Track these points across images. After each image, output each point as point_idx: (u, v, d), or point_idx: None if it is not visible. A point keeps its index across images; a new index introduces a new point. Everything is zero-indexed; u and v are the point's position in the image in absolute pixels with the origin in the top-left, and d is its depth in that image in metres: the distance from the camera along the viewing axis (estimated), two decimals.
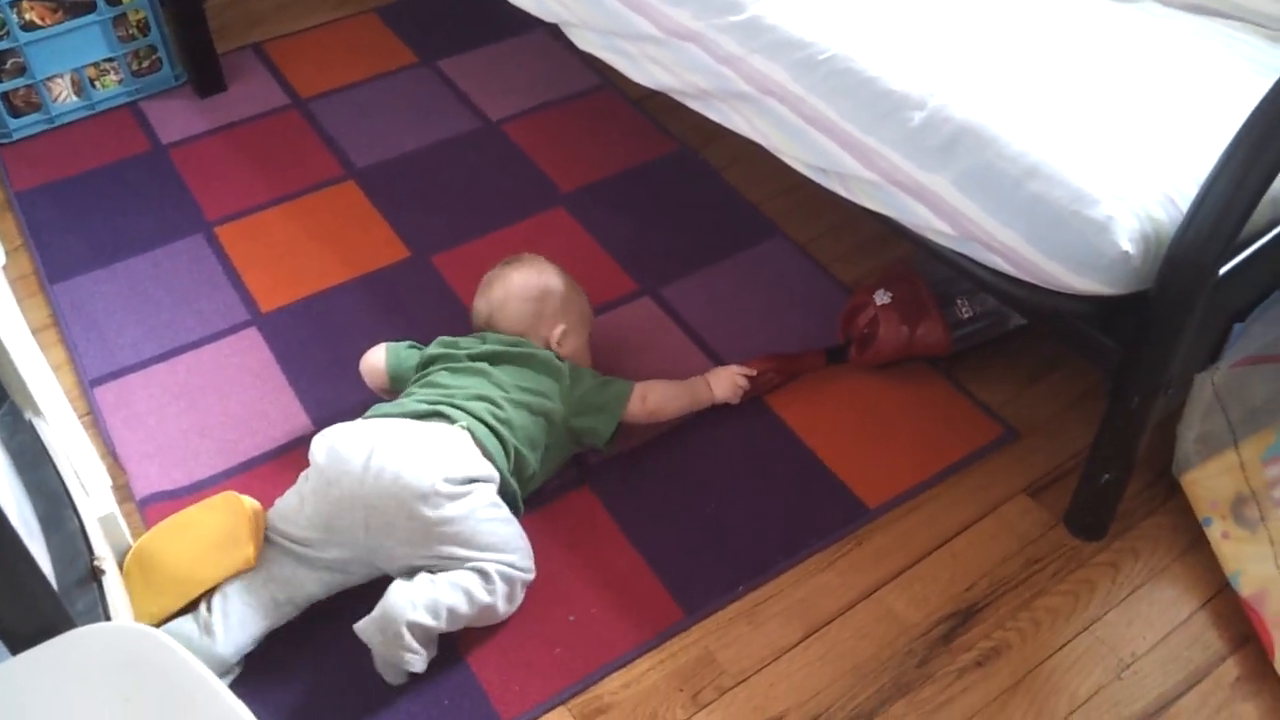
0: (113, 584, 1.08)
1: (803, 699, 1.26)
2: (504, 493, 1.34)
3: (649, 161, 1.96)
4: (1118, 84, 1.26)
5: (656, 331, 1.66)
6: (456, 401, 1.35)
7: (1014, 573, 1.37)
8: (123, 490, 1.46)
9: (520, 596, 1.31)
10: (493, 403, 1.36)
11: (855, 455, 1.49)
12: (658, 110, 2.06)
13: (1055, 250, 1.15)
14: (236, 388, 1.59)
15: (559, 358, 1.45)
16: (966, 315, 1.56)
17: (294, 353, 1.63)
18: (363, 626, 1.22)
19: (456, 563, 1.26)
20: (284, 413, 1.55)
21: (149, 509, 1.43)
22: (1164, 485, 1.45)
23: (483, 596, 1.25)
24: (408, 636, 1.20)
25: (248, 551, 1.34)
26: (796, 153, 1.38)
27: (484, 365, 1.41)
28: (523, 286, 1.49)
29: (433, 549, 1.26)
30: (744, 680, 1.27)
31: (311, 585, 1.29)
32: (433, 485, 1.24)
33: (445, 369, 1.42)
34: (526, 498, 1.39)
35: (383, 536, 1.26)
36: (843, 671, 1.28)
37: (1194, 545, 1.40)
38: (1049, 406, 1.56)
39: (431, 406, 1.35)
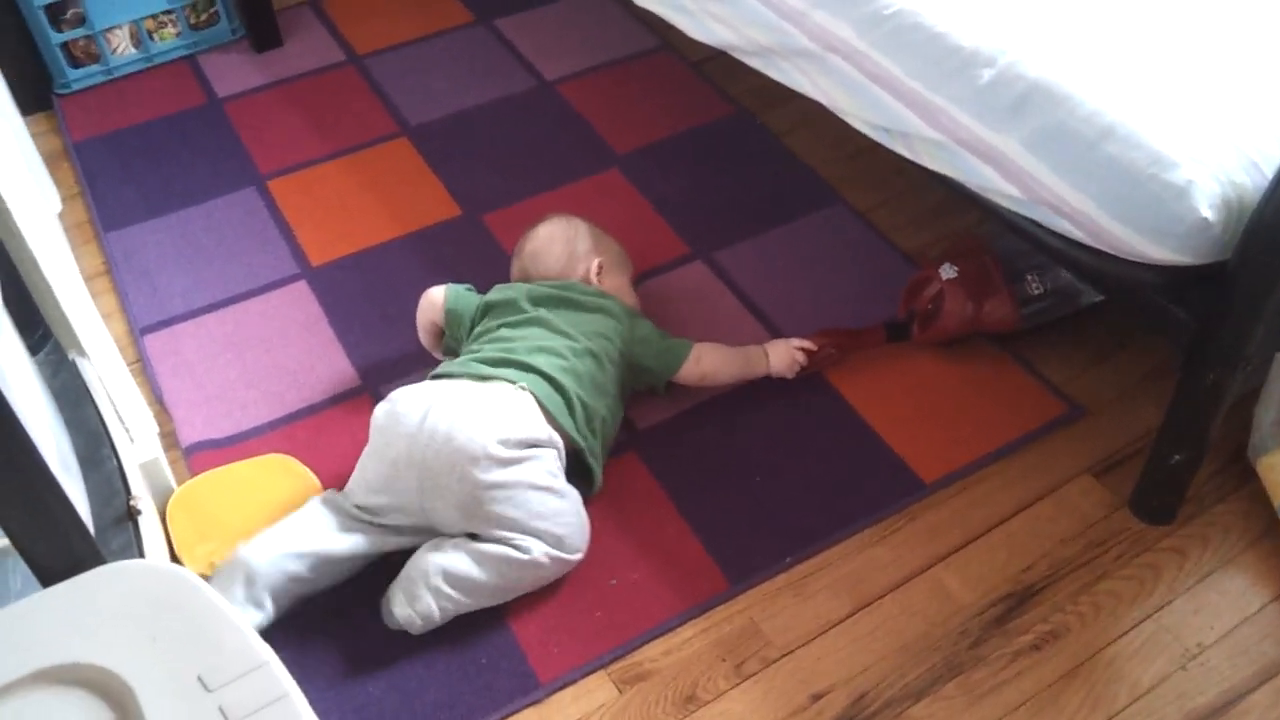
0: (149, 525, 1.07)
1: (849, 675, 1.22)
2: (575, 455, 1.31)
3: (706, 125, 1.92)
4: (1200, 40, 1.19)
5: (709, 296, 1.62)
6: (518, 356, 1.32)
7: (1075, 555, 1.32)
8: (169, 438, 1.46)
9: (558, 573, 1.27)
10: (557, 354, 1.33)
11: (911, 429, 1.44)
12: (716, 73, 2.01)
13: (1129, 216, 1.09)
14: (284, 340, 1.58)
15: (607, 295, 1.43)
16: (1036, 291, 1.49)
17: (343, 307, 1.62)
18: (391, 589, 1.22)
19: (504, 531, 1.23)
20: (331, 367, 1.54)
21: (194, 457, 1.42)
22: (1238, 470, 1.39)
23: (521, 579, 1.23)
24: (426, 599, 1.19)
25: None
26: (859, 112, 1.33)
27: (543, 313, 1.39)
28: (549, 234, 1.50)
29: (482, 514, 1.22)
30: (789, 653, 1.24)
31: (368, 547, 1.26)
32: (484, 447, 1.21)
33: (505, 323, 1.39)
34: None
35: (434, 498, 1.23)
36: (892, 649, 1.24)
37: (1268, 534, 1.33)
38: (1116, 385, 1.50)
39: (493, 368, 1.31)
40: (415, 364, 1.53)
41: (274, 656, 0.75)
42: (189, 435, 1.45)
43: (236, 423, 1.47)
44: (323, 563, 1.23)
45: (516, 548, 1.22)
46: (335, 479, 1.39)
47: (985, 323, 1.48)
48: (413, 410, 1.25)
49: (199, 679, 0.73)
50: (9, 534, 0.77)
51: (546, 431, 1.28)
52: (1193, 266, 1.09)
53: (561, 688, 1.21)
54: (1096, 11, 1.23)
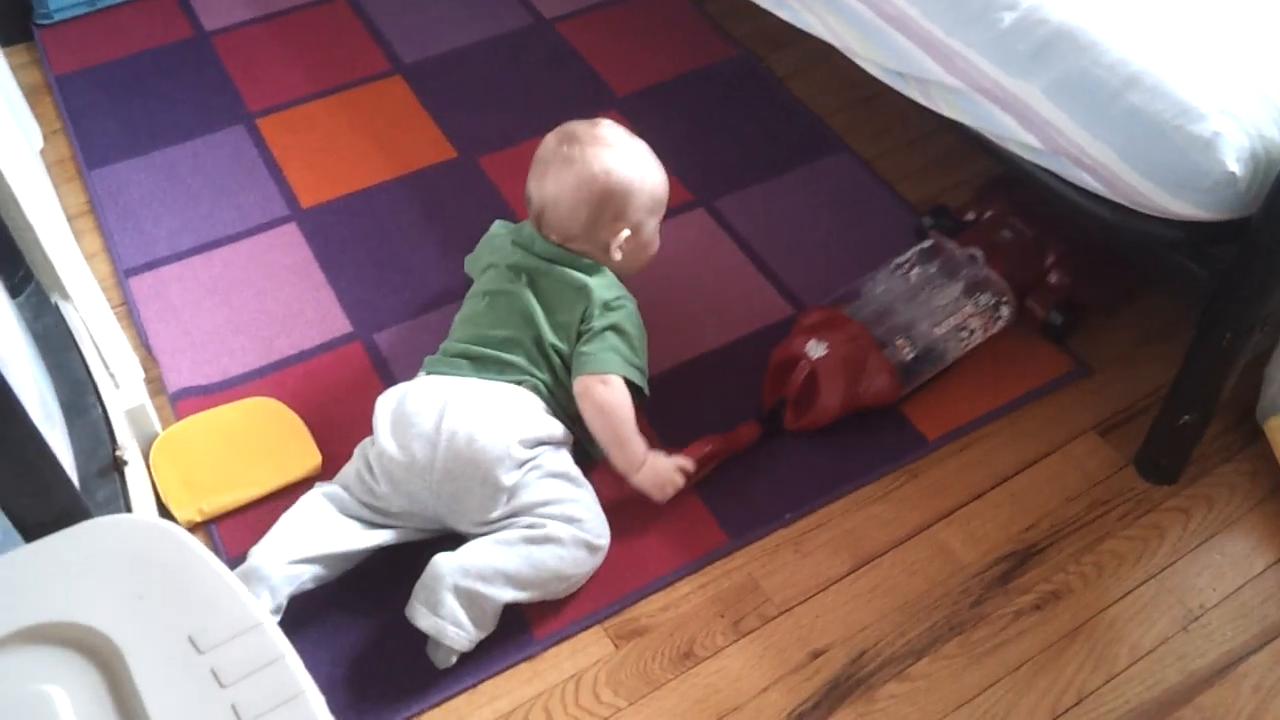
0: (136, 475, 1.04)
1: (849, 633, 1.20)
2: (576, 445, 1.27)
3: (708, 66, 1.87)
4: None
5: (710, 244, 1.59)
6: (498, 353, 1.25)
7: (1078, 514, 1.30)
8: (154, 384, 1.42)
9: (592, 564, 1.21)
10: (532, 349, 1.26)
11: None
12: (719, 13, 1.96)
13: (1152, 169, 1.06)
14: (273, 284, 1.53)
15: (600, 273, 1.30)
16: (909, 356, 1.36)
17: (333, 251, 1.58)
18: (410, 604, 1.15)
19: (520, 524, 1.18)
20: (321, 312, 1.50)
21: (180, 403, 1.39)
22: (1245, 430, 1.37)
23: (544, 561, 1.16)
24: (450, 603, 1.13)
25: (315, 458, 1.32)
26: (873, 55, 1.29)
27: (524, 292, 1.28)
28: (578, 183, 1.28)
29: (503, 513, 1.18)
30: (788, 610, 1.22)
31: (383, 540, 1.20)
32: (507, 448, 1.17)
33: (485, 295, 1.30)
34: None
35: (454, 501, 1.18)
36: (892, 607, 1.22)
37: (1273, 495, 1.32)
38: (1123, 343, 1.47)
39: (491, 367, 1.24)
40: (407, 311, 1.49)
41: (268, 617, 0.72)
42: (175, 381, 1.41)
43: (224, 369, 1.43)
44: (341, 560, 1.18)
45: (532, 526, 1.17)
46: (323, 425, 1.36)
47: (865, 399, 1.35)
48: (426, 410, 1.19)
49: (190, 639, 0.70)
50: None
51: (559, 428, 1.24)
52: (1215, 223, 1.06)
53: (557, 643, 1.19)
54: None
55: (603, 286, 1.29)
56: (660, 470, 1.26)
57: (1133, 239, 1.16)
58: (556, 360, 1.26)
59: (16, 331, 0.96)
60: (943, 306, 1.39)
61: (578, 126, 1.33)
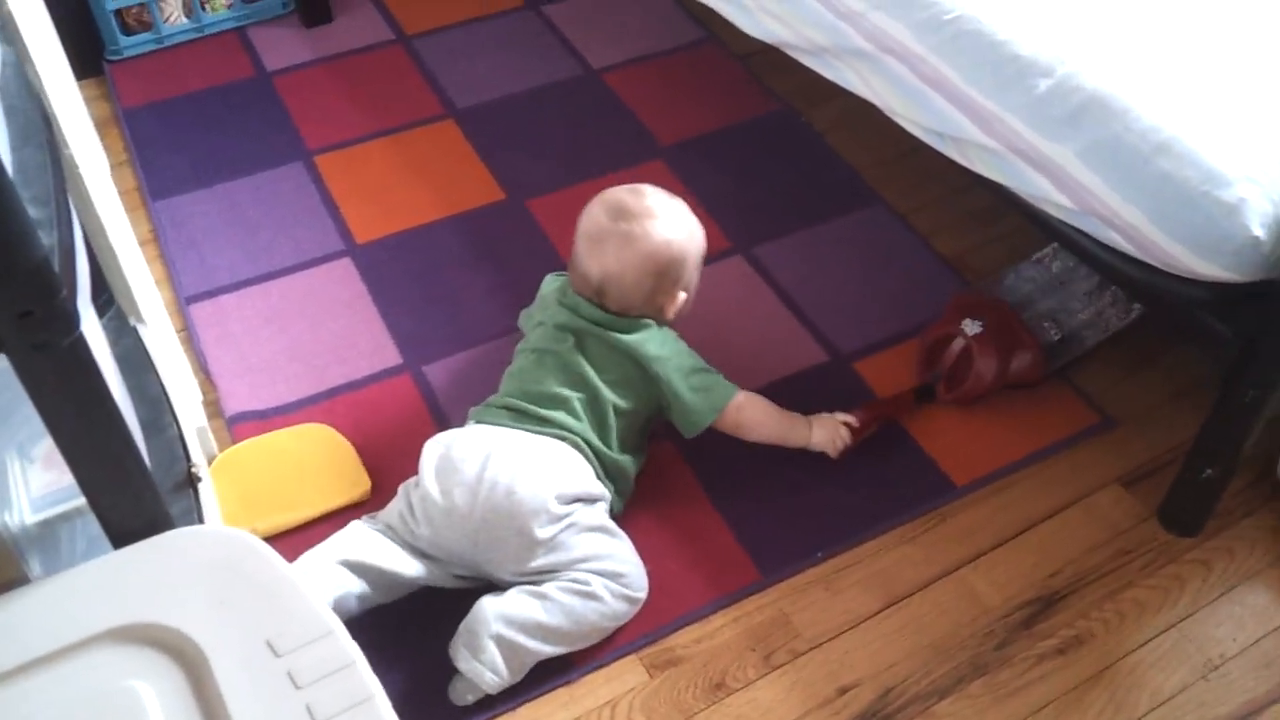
0: (207, 491, 1.09)
1: (877, 670, 1.24)
2: (618, 494, 1.31)
3: (751, 119, 1.93)
4: (1257, 57, 1.20)
5: (747, 291, 1.64)
6: (538, 408, 1.28)
7: (1101, 563, 1.34)
8: (212, 407, 1.48)
9: (628, 615, 1.24)
10: (578, 408, 1.29)
11: (945, 432, 1.46)
12: (762, 68, 2.03)
13: (1180, 232, 1.11)
14: (328, 315, 1.60)
15: (645, 326, 1.33)
16: (1056, 337, 1.49)
17: (386, 285, 1.64)
18: (453, 644, 1.19)
19: (562, 578, 1.21)
20: (373, 343, 1.56)
21: (237, 427, 1.44)
22: (1266, 486, 1.40)
23: (585, 616, 1.20)
24: (491, 650, 1.16)
25: (364, 484, 1.37)
26: (913, 115, 1.34)
27: (573, 353, 1.31)
28: (642, 260, 1.30)
29: (538, 564, 1.21)
30: (818, 645, 1.26)
31: (428, 575, 1.23)
32: (544, 502, 1.20)
33: (534, 352, 1.34)
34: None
35: (490, 550, 1.21)
36: (919, 646, 1.26)
37: None
38: (1149, 397, 1.51)
39: (535, 422, 1.28)
40: (454, 345, 1.55)
41: (340, 624, 0.77)
42: (233, 405, 1.47)
43: (279, 394, 1.49)
44: (383, 580, 1.21)
45: (576, 581, 1.20)
46: (372, 452, 1.41)
47: (1012, 376, 1.45)
48: (470, 459, 1.22)
49: (268, 643, 0.75)
50: (86, 494, 0.79)
51: (596, 486, 1.27)
52: (1241, 284, 1.11)
53: (594, 670, 1.23)
54: (1155, 25, 1.24)
55: (640, 343, 1.31)
56: (828, 429, 1.38)
57: (1161, 298, 1.20)
58: (612, 418, 1.29)
59: (107, 352, 1.03)
60: (1083, 296, 1.52)
61: (624, 198, 1.35)
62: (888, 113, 1.39)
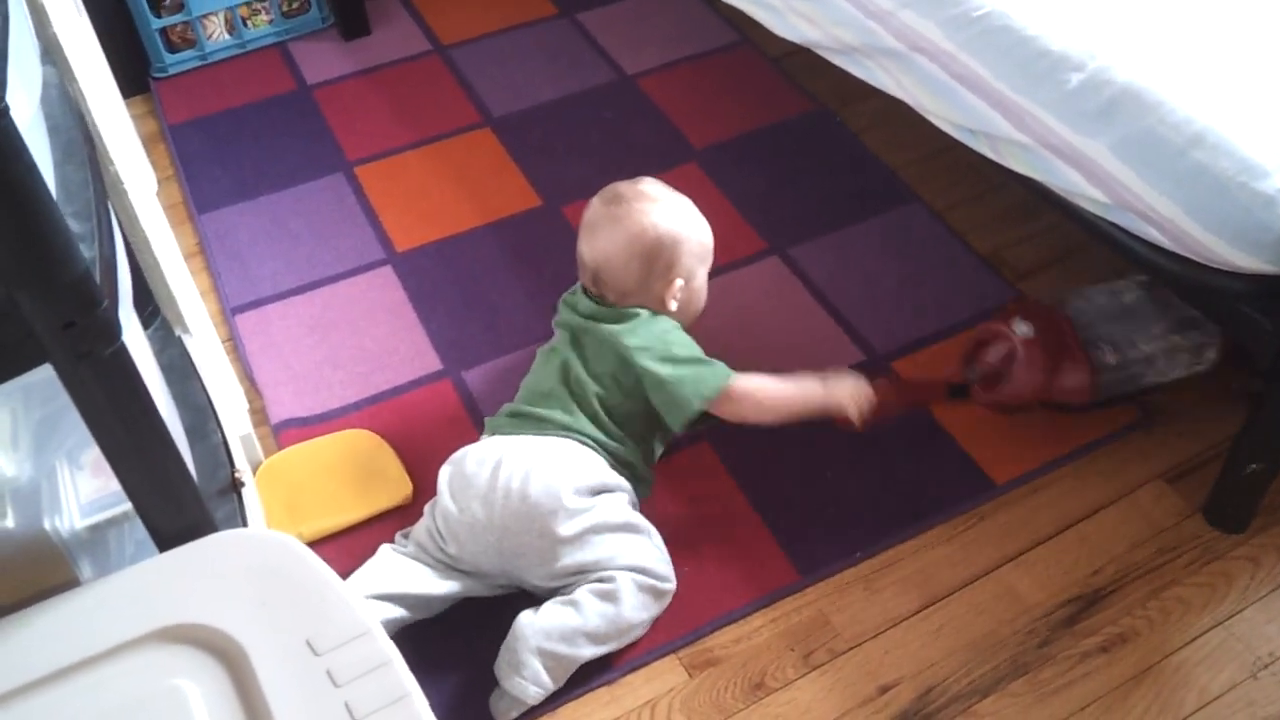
0: (250, 496, 1.12)
1: (917, 669, 1.23)
2: (635, 481, 1.31)
3: (785, 120, 1.93)
4: None
5: (783, 290, 1.64)
6: (534, 408, 1.30)
7: (1145, 560, 1.32)
8: (258, 415, 1.51)
9: (660, 607, 1.25)
10: (570, 402, 1.29)
11: (984, 430, 1.45)
12: (795, 69, 2.03)
13: (1216, 224, 1.09)
14: (369, 323, 1.62)
15: (635, 316, 1.31)
16: (1111, 362, 1.37)
17: (426, 293, 1.66)
18: (497, 665, 1.21)
19: (589, 580, 1.22)
20: (414, 350, 1.58)
21: (282, 434, 1.47)
22: None
23: (619, 614, 1.21)
24: (533, 664, 1.18)
25: (407, 487, 1.39)
26: (944, 112, 1.34)
27: (567, 349, 1.32)
28: (628, 239, 1.31)
29: (565, 565, 1.22)
30: (857, 645, 1.26)
31: (451, 586, 1.25)
32: (560, 499, 1.21)
33: (542, 353, 1.37)
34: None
35: (517, 557, 1.22)
36: (959, 645, 1.25)
37: None
38: (1191, 392, 1.49)
39: (520, 424, 1.30)
40: (493, 351, 1.57)
41: (377, 624, 0.79)
42: (278, 413, 1.50)
43: (323, 402, 1.52)
44: (417, 602, 1.23)
45: (603, 581, 1.22)
46: (413, 457, 1.43)
47: (1055, 392, 1.37)
48: (481, 470, 1.23)
49: (307, 643, 0.77)
50: (131, 498, 0.81)
51: (613, 477, 1.27)
52: (1279, 275, 1.09)
53: (634, 670, 1.24)
54: (1186, 16, 1.23)
55: (621, 333, 1.30)
56: (846, 383, 1.31)
57: (1201, 291, 1.19)
58: (598, 408, 1.29)
59: (151, 361, 1.05)
60: (1151, 333, 1.39)
61: (621, 186, 1.37)
62: (920, 111, 1.39)
